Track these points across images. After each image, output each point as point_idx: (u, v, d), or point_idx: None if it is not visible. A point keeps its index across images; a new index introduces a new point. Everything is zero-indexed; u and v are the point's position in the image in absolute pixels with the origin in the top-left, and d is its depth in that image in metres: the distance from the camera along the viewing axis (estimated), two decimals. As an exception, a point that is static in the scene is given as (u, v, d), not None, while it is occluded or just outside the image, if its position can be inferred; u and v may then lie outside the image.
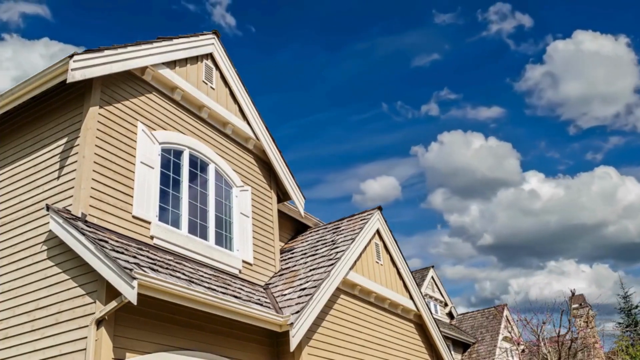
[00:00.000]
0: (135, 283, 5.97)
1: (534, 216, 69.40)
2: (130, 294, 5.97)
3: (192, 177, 9.28)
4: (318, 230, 12.38)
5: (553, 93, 70.88)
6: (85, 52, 7.59)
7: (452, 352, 25.29)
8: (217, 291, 7.63)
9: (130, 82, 8.55)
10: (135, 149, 8.21)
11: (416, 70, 64.33)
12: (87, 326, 6.21)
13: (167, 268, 7.27)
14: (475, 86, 64.49)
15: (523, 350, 21.79)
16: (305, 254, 11.09)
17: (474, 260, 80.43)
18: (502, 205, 73.98)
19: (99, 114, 7.80)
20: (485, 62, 63.64)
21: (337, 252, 10.34)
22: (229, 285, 8.43)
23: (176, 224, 8.62)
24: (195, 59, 10.00)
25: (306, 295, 8.93)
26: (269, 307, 8.58)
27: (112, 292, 6.26)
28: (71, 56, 7.36)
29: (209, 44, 10.32)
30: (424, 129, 68.15)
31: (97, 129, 7.69)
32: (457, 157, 70.13)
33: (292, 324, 8.22)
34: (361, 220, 11.69)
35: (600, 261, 74.37)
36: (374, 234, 11.83)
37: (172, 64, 9.32)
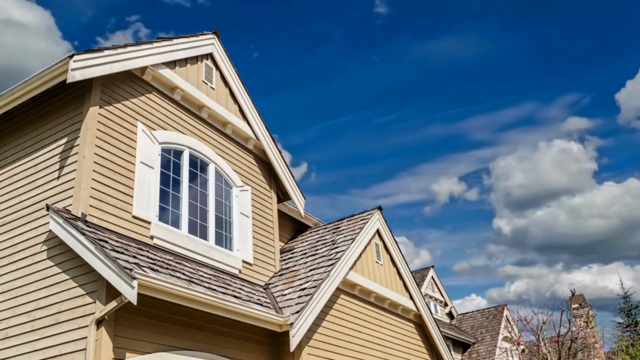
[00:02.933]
0: (135, 283, 5.97)
1: (590, 219, 69.44)
2: (130, 294, 5.97)
3: (192, 177, 9.28)
4: (318, 230, 12.39)
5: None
6: (85, 52, 7.59)
7: (452, 352, 25.29)
8: (217, 291, 7.63)
9: (130, 82, 8.55)
10: (135, 149, 8.21)
11: (459, 71, 64.33)
12: (87, 326, 6.21)
13: (167, 268, 7.27)
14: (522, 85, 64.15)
15: (523, 350, 21.79)
16: (305, 254, 11.09)
17: (521, 260, 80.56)
18: (559, 209, 74.02)
19: (99, 114, 7.80)
20: (519, 63, 63.28)
21: (337, 252, 10.34)
22: (229, 285, 8.43)
23: (176, 224, 8.62)
24: (195, 59, 10.00)
25: (306, 295, 8.93)
26: (269, 307, 8.58)
27: (112, 292, 6.26)
28: (71, 56, 7.36)
29: (209, 44, 10.32)
30: (481, 130, 68.02)
31: (97, 129, 7.69)
32: (519, 161, 70.03)
33: (292, 324, 8.22)
34: (361, 220, 11.69)
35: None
36: (374, 234, 11.83)
37: (172, 64, 9.32)
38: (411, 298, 12.52)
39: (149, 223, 8.05)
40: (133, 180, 8.01)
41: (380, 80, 65.21)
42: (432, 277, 29.36)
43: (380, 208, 12.10)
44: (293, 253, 11.47)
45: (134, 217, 7.84)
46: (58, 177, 7.59)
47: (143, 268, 6.55)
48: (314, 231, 12.47)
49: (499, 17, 59.38)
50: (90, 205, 7.24)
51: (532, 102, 66.14)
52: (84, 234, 6.45)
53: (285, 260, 11.20)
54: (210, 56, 10.44)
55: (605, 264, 73.12)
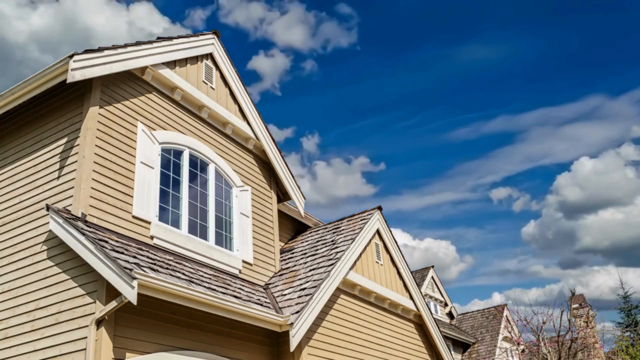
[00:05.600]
0: (135, 283, 5.97)
1: (633, 228, 69.10)
2: (130, 294, 5.97)
3: (192, 177, 9.28)
4: (318, 230, 12.38)
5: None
6: (85, 52, 7.59)
7: (452, 352, 25.30)
8: (217, 291, 7.64)
9: (130, 82, 8.55)
10: (135, 149, 8.21)
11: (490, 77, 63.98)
12: (87, 326, 6.21)
13: (167, 268, 7.27)
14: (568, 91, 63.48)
15: (523, 350, 21.80)
16: (305, 254, 11.09)
17: (560, 262, 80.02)
18: (607, 214, 73.54)
19: (99, 114, 7.80)
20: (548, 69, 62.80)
21: (337, 252, 10.34)
22: (229, 285, 8.43)
23: (176, 224, 8.62)
24: (195, 59, 10.00)
25: (306, 295, 8.93)
26: (269, 307, 8.58)
27: (112, 292, 6.26)
28: (71, 56, 7.36)
29: (209, 44, 10.32)
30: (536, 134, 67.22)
31: (97, 129, 7.69)
32: (572, 162, 69.63)
33: (292, 324, 8.22)
34: (361, 220, 11.69)
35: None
36: (374, 234, 11.83)
37: (172, 64, 9.32)
38: (411, 298, 12.52)
39: (149, 223, 8.05)
40: (133, 180, 8.01)
41: (414, 82, 65.13)
42: (432, 277, 29.36)
43: (380, 208, 12.10)
44: (293, 253, 11.47)
45: (134, 217, 7.84)
46: (58, 177, 7.59)
47: (143, 268, 6.55)
48: (314, 231, 12.47)
49: (532, 21, 58.89)
50: (90, 205, 7.24)
51: (598, 96, 64.67)
52: (84, 234, 6.45)
53: (285, 260, 11.20)
54: (210, 56, 10.44)
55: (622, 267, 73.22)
